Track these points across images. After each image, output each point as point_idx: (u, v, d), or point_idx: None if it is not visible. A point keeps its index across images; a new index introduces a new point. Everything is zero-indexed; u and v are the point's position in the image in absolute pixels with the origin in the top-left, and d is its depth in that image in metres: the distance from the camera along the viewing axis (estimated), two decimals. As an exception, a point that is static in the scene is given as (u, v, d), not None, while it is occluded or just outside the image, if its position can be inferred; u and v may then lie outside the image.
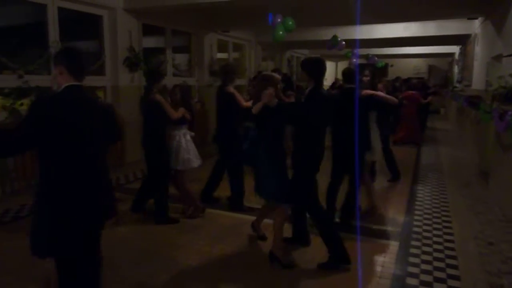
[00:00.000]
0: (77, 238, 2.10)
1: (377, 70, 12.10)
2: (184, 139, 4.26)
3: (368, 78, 4.89)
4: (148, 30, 7.96)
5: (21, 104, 5.32)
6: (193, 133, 4.47)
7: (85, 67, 2.19)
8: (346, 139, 3.74)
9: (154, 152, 4.21)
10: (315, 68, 3.31)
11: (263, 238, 3.80)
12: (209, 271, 3.24)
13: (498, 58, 6.40)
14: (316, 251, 3.53)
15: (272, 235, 3.46)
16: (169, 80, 8.73)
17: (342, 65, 21.31)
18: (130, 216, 4.38)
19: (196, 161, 4.35)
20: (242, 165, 4.55)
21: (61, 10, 6.04)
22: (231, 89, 4.50)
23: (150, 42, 8.61)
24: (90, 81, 6.07)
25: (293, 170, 3.36)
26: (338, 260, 3.28)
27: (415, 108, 9.24)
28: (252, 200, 5.02)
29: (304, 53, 16.67)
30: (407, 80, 12.45)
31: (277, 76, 3.49)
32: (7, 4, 5.96)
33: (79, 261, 2.16)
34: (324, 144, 3.40)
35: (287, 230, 3.76)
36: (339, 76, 18.52)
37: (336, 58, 19.45)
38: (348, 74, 4.05)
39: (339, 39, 9.20)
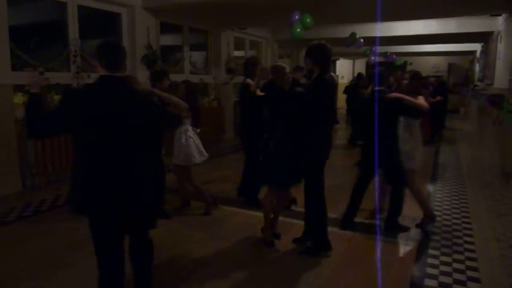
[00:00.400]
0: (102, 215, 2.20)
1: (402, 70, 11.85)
2: (185, 135, 4.26)
3: (407, 81, 4.59)
4: (165, 28, 8.02)
5: (42, 101, 5.43)
6: (198, 130, 4.46)
7: (118, 59, 2.23)
8: (374, 140, 3.66)
9: None
10: (319, 54, 3.25)
11: (277, 236, 3.78)
12: (222, 268, 3.23)
13: (522, 56, 6.22)
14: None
15: (287, 233, 3.43)
16: (186, 78, 8.79)
17: (360, 62, 21.12)
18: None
19: (198, 158, 4.32)
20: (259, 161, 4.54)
21: (80, 8, 6.14)
22: (248, 80, 4.50)
23: (168, 39, 8.68)
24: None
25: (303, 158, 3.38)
26: (322, 248, 3.41)
27: None
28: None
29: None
30: (424, 78, 12.20)
31: (283, 65, 3.52)
32: (29, 2, 6.08)
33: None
34: (331, 131, 3.41)
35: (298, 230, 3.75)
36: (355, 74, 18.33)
37: (353, 56, 19.23)
38: (379, 76, 3.85)
39: (357, 36, 9.09)
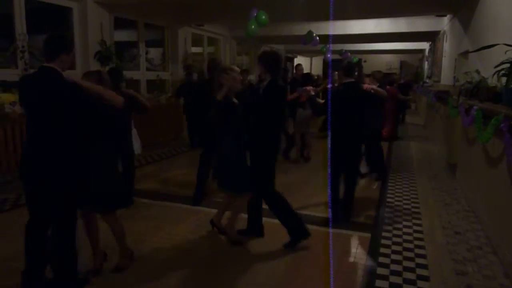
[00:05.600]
0: None
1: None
2: None
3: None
4: (120, 24, 7.80)
5: (-13, 99, 5.13)
6: None
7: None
8: (344, 131, 4.04)
9: None
10: (271, 62, 3.47)
11: (225, 233, 3.74)
12: (171, 267, 3.23)
13: (465, 54, 6.62)
14: (272, 240, 3.62)
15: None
16: (142, 75, 8.62)
17: (316, 60, 21.55)
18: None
19: None
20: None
21: (28, 1, 5.84)
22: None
23: (123, 35, 8.45)
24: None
25: (251, 159, 3.49)
26: (299, 237, 3.52)
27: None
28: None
29: (279, 48, 16.72)
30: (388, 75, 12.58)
31: (236, 68, 3.57)
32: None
33: None
34: (280, 133, 3.62)
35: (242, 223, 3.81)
36: (314, 71, 18.72)
37: (310, 54, 19.61)
38: (348, 68, 4.21)
39: (314, 34, 9.27)
